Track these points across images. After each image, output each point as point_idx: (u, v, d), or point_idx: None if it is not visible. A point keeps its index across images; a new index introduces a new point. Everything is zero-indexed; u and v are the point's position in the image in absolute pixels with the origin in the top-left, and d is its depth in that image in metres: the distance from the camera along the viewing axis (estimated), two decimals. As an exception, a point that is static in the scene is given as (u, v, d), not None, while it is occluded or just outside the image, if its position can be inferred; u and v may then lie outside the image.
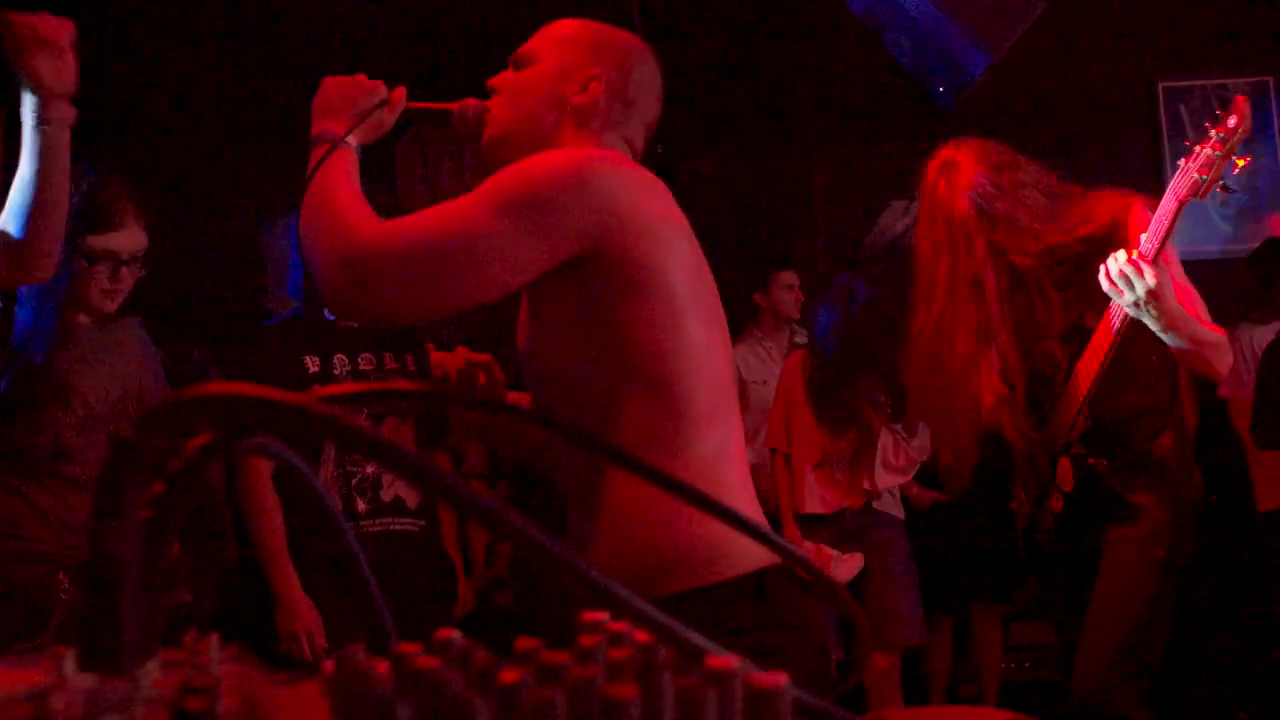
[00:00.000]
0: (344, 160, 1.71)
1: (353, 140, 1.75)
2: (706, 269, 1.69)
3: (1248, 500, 4.52)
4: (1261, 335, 4.23)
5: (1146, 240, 2.57)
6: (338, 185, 1.67)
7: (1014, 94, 5.20)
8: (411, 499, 3.10)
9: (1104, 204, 2.82)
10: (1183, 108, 5.51)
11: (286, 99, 5.13)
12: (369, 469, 3.04)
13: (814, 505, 4.10)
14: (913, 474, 4.19)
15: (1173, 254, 2.74)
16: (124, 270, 2.68)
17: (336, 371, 3.09)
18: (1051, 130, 5.45)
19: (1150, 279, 2.49)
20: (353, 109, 1.76)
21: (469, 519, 0.50)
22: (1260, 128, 5.37)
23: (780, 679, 0.48)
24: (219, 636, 0.56)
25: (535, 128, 1.76)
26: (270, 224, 3.44)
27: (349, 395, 0.57)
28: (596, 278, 1.58)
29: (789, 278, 4.93)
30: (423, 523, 3.13)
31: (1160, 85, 5.52)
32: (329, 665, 0.53)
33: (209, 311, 4.30)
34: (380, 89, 1.80)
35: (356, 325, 3.17)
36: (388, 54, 5.10)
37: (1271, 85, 5.45)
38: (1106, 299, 2.67)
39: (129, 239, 2.68)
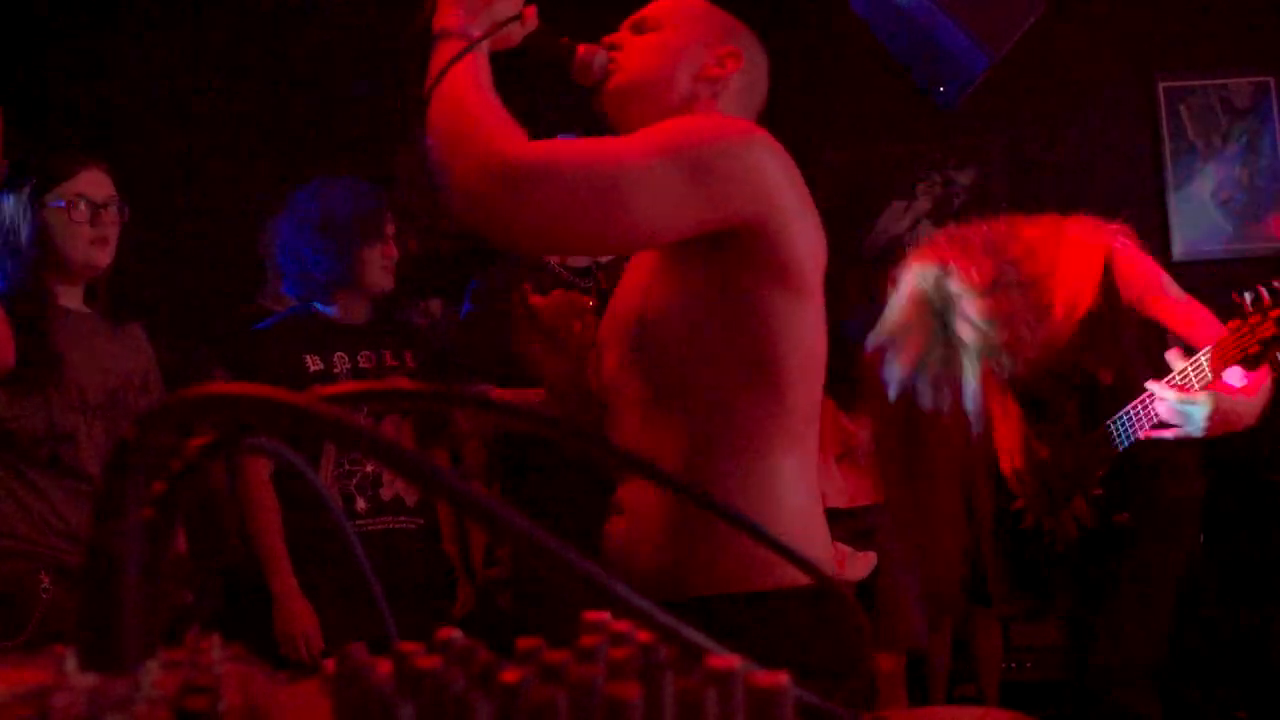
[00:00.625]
0: (481, 65, 1.57)
1: (485, 47, 1.61)
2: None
3: (1264, 502, 4.52)
4: None
5: (1186, 382, 2.50)
6: (480, 90, 1.54)
7: (1014, 93, 5.20)
8: (411, 498, 3.09)
9: (1082, 273, 2.73)
10: (1183, 107, 5.50)
11: (288, 99, 5.15)
12: (368, 467, 3.04)
13: (834, 499, 4.10)
14: None
15: (1163, 279, 2.72)
16: (103, 214, 2.62)
17: (337, 370, 3.09)
18: (1051, 130, 5.45)
19: (1205, 404, 2.47)
20: (490, 10, 1.62)
21: (469, 518, 0.50)
22: (1260, 128, 5.37)
23: (781, 678, 0.48)
24: (220, 636, 0.56)
25: (668, 89, 1.70)
26: (271, 223, 3.45)
27: (349, 395, 0.57)
28: (739, 257, 1.54)
29: None
30: (422, 521, 3.13)
31: (1161, 85, 5.52)
32: (330, 664, 0.53)
33: (210, 310, 4.30)
34: (519, 1, 1.68)
35: (356, 324, 3.17)
36: (392, 54, 5.10)
37: (1273, 85, 5.44)
38: (1116, 351, 2.67)
39: (96, 182, 2.63)
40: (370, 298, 3.18)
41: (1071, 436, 2.83)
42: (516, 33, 1.67)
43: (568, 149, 1.50)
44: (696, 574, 1.54)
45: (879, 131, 5.61)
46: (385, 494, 3.06)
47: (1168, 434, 2.58)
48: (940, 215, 5.49)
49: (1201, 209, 5.22)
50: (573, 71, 1.74)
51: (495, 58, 1.63)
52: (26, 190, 2.56)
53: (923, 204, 5.66)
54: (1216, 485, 4.39)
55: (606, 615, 0.56)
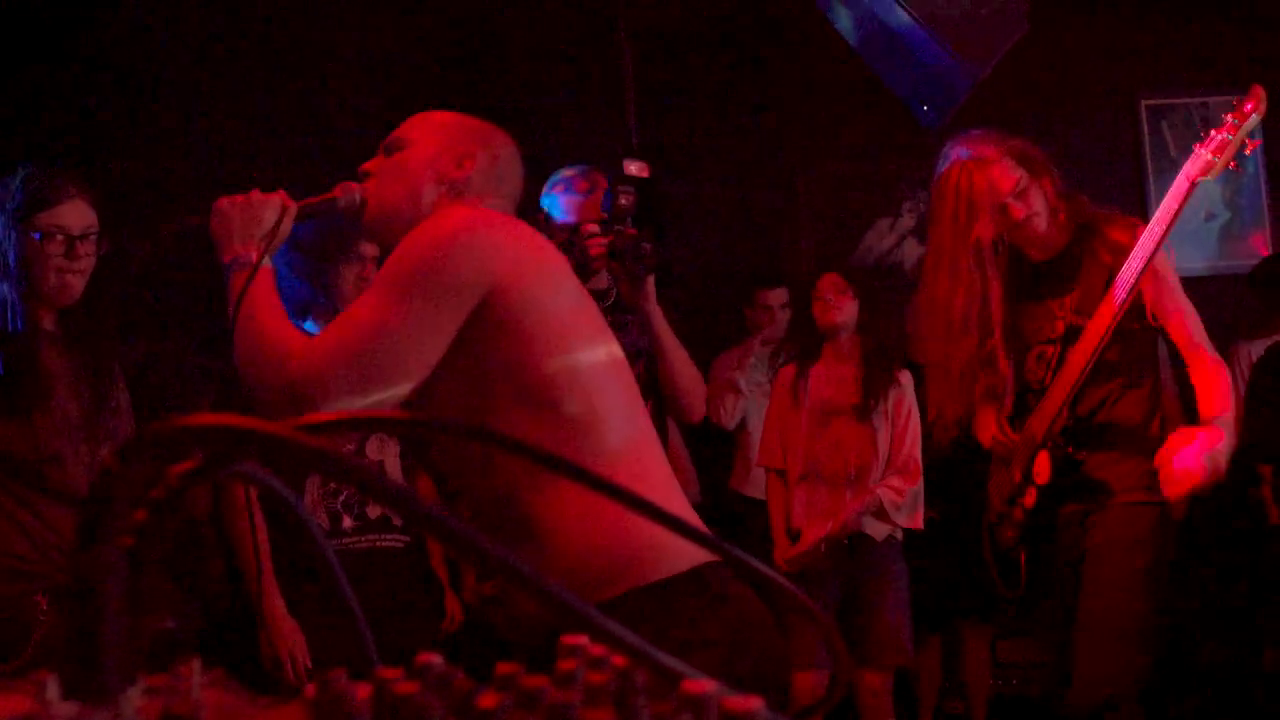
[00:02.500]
0: (265, 283, 1.82)
1: (266, 260, 1.85)
2: (587, 295, 1.87)
3: (1251, 514, 4.53)
4: (1259, 352, 4.25)
5: (1155, 221, 2.68)
6: (263, 315, 1.78)
7: (998, 112, 5.23)
8: (398, 516, 3.10)
9: (1109, 212, 2.91)
10: (1165, 125, 5.55)
11: (290, 103, 5.15)
12: (355, 486, 3.04)
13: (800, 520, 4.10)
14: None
15: (1169, 269, 2.78)
16: (79, 246, 2.60)
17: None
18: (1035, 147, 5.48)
19: (1208, 463, 2.59)
20: (259, 228, 1.87)
21: (446, 545, 0.51)
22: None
23: (755, 702, 0.49)
24: (200, 661, 0.56)
25: (416, 203, 1.89)
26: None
27: (328, 424, 0.58)
28: (487, 320, 1.70)
29: (771, 297, 4.93)
30: (409, 539, 3.13)
31: (1143, 103, 5.57)
32: (310, 689, 0.53)
33: (199, 321, 4.31)
34: (276, 200, 1.91)
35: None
36: (388, 57, 5.12)
37: (1253, 103, 5.49)
38: (1098, 301, 2.72)
39: (77, 214, 2.61)
40: None
41: (1045, 391, 2.87)
42: (287, 225, 1.92)
43: (329, 342, 1.70)
44: (619, 567, 1.66)
45: (864, 150, 5.64)
46: (371, 512, 3.06)
47: (1177, 492, 2.66)
48: (925, 233, 5.51)
49: (1185, 226, 5.24)
50: (343, 216, 1.96)
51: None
52: (13, 213, 2.57)
53: (908, 221, 5.69)
54: (1198, 499, 4.42)
55: (583, 639, 0.57)
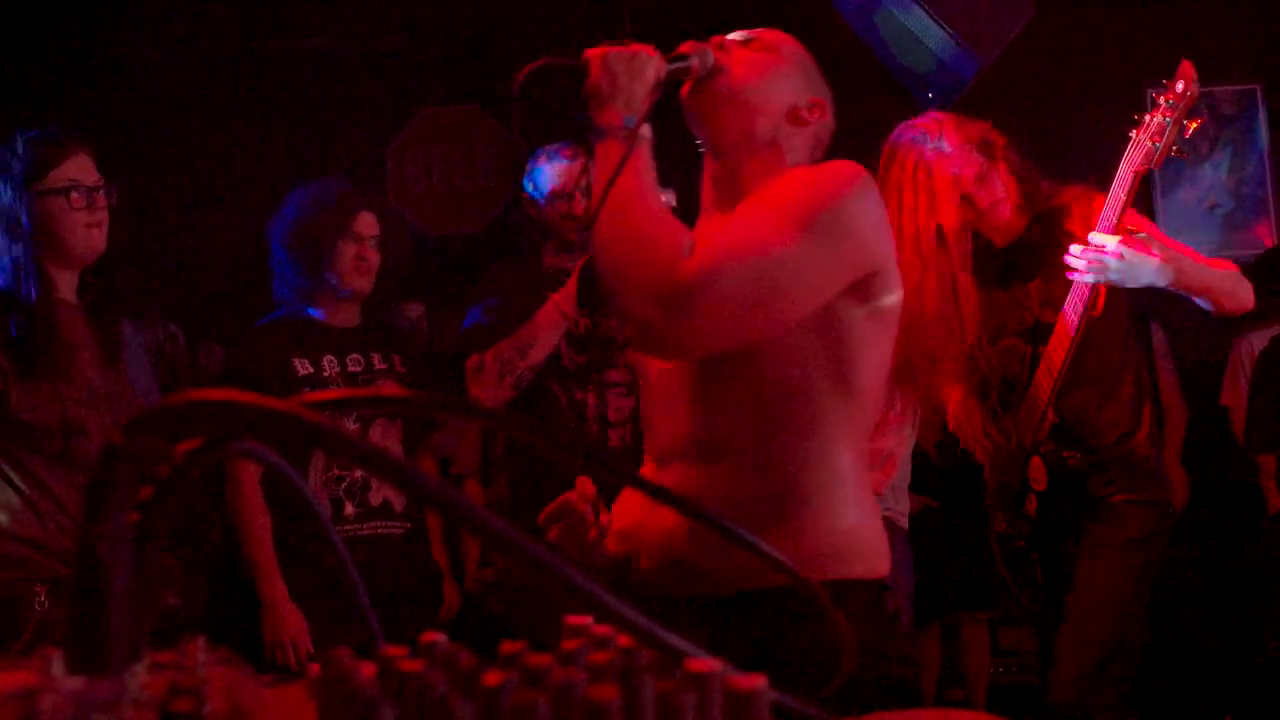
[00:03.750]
0: (644, 160, 1.62)
1: (646, 127, 1.63)
2: None
3: (1250, 506, 4.54)
4: (1261, 342, 4.25)
5: (1103, 219, 2.61)
6: (645, 201, 1.59)
7: (1003, 99, 5.21)
8: (399, 502, 3.09)
9: (1067, 189, 2.86)
10: (1171, 114, 5.53)
11: (294, 96, 5.14)
12: (356, 473, 3.04)
13: None
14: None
15: (1154, 229, 2.75)
16: (97, 198, 2.59)
17: (326, 373, 3.09)
18: (1040, 135, 5.46)
19: (1113, 243, 2.53)
20: (644, 89, 1.63)
21: (453, 523, 0.50)
22: (1246, 135, 5.40)
23: (759, 680, 0.49)
24: (206, 639, 0.56)
25: (760, 112, 1.72)
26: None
27: (336, 401, 0.58)
28: (855, 295, 1.62)
29: None
30: (410, 526, 3.13)
31: (1149, 92, 5.54)
32: (315, 668, 0.53)
33: (210, 310, 4.32)
34: (658, 58, 1.67)
35: (345, 327, 3.18)
36: (402, 54, 5.11)
37: (1258, 92, 5.47)
38: (1062, 291, 2.68)
39: (84, 168, 2.61)
40: (356, 301, 3.18)
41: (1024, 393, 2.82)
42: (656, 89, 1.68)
43: (723, 255, 1.56)
44: (752, 568, 1.55)
45: (868, 137, 5.61)
46: (374, 499, 3.06)
47: (1081, 277, 2.60)
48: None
49: (1188, 216, 5.24)
50: (684, 73, 1.73)
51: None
52: (18, 177, 2.55)
53: (912, 209, 5.67)
54: (1197, 489, 4.42)
55: (589, 619, 0.57)
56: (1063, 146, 5.45)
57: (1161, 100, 2.59)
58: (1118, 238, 2.55)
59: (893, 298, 1.67)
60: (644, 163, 1.60)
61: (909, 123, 2.86)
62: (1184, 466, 4.48)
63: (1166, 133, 2.57)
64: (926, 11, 3.86)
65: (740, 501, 1.62)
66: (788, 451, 1.63)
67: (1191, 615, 4.46)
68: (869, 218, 1.63)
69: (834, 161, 1.69)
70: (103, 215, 2.62)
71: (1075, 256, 2.59)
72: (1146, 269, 2.58)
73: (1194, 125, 2.62)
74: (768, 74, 1.74)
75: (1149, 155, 2.59)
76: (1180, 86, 2.57)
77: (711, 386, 1.66)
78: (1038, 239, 2.81)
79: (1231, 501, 4.59)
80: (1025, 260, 2.83)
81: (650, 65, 1.64)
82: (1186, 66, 2.59)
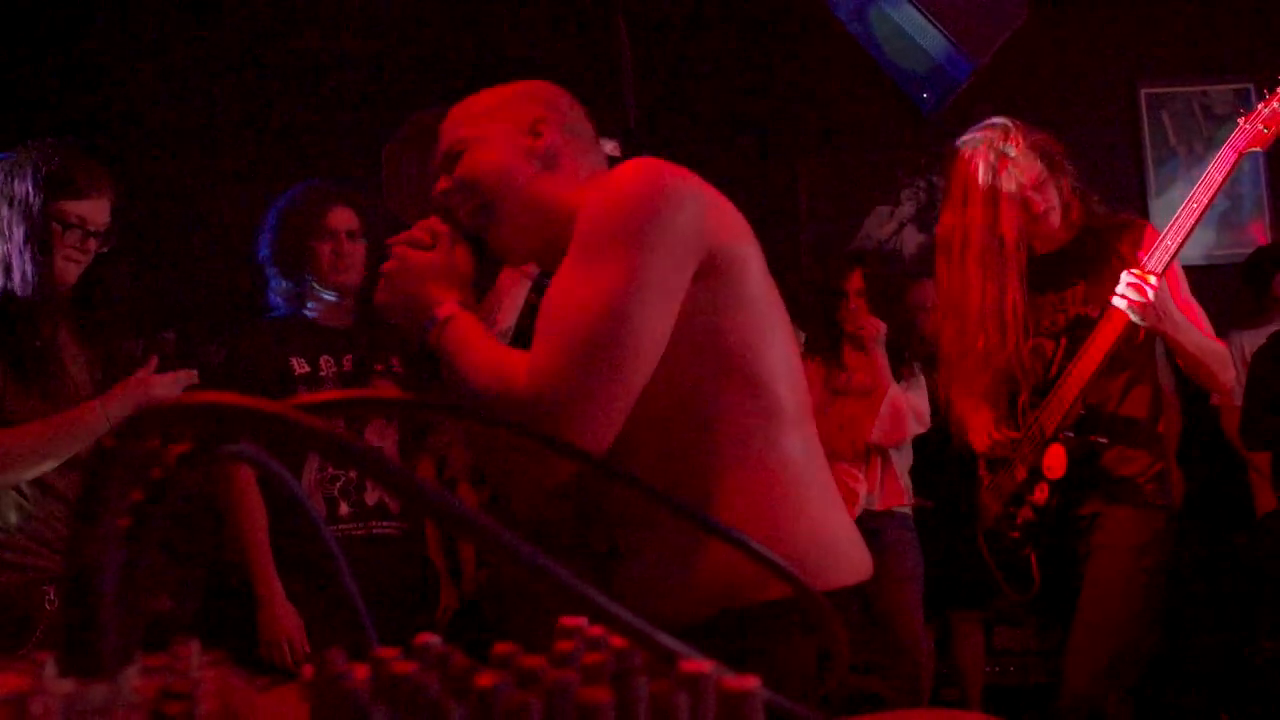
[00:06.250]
0: (457, 330, 1.59)
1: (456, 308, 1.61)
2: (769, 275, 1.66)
3: (1241, 505, 4.55)
4: (1252, 340, 4.27)
5: (1195, 196, 2.67)
6: (467, 356, 1.55)
7: (997, 100, 5.22)
8: (395, 503, 3.09)
9: (1122, 213, 2.96)
10: (1165, 114, 5.54)
11: (288, 99, 5.14)
12: (352, 473, 3.04)
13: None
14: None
15: (1178, 269, 2.80)
16: (90, 241, 2.62)
17: (323, 373, 3.09)
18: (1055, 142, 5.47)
19: (1151, 292, 2.60)
20: (457, 272, 1.65)
21: (444, 527, 0.50)
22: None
23: (753, 681, 0.49)
24: (199, 642, 0.56)
25: (513, 194, 1.67)
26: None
27: (328, 404, 0.57)
28: (705, 281, 1.53)
29: None
30: (406, 526, 3.13)
31: (1143, 91, 5.55)
32: (308, 669, 0.53)
33: (210, 310, 4.32)
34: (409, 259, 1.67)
35: (340, 326, 3.18)
36: (396, 57, 5.11)
37: (1252, 91, 5.48)
38: (1106, 298, 2.72)
39: (98, 210, 2.62)
40: (346, 297, 3.18)
41: (1051, 384, 2.85)
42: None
43: (557, 347, 1.46)
44: (721, 588, 1.52)
45: (864, 138, 5.63)
46: (369, 499, 3.06)
47: (1120, 302, 2.67)
48: (924, 220, 5.52)
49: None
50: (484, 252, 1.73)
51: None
52: (41, 184, 2.55)
53: (907, 209, 5.68)
54: (1197, 489, 4.43)
55: (582, 621, 0.57)
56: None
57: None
58: (1159, 284, 2.63)
59: (740, 268, 1.56)
60: (463, 333, 1.57)
61: (976, 127, 2.95)
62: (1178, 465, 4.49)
63: (1278, 121, 2.64)
64: (921, 12, 3.86)
65: (679, 552, 1.55)
66: (714, 484, 1.54)
67: (1185, 614, 4.47)
68: (684, 214, 1.50)
69: (623, 167, 1.55)
70: (87, 257, 2.64)
71: (1129, 283, 2.65)
72: (1167, 321, 2.65)
73: None
74: (485, 170, 1.68)
75: (1256, 138, 2.65)
76: None
77: (616, 450, 1.53)
78: (1089, 252, 2.87)
79: (1222, 500, 4.60)
80: (1067, 268, 2.89)
81: (424, 264, 1.64)
82: None
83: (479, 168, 1.68)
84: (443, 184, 1.72)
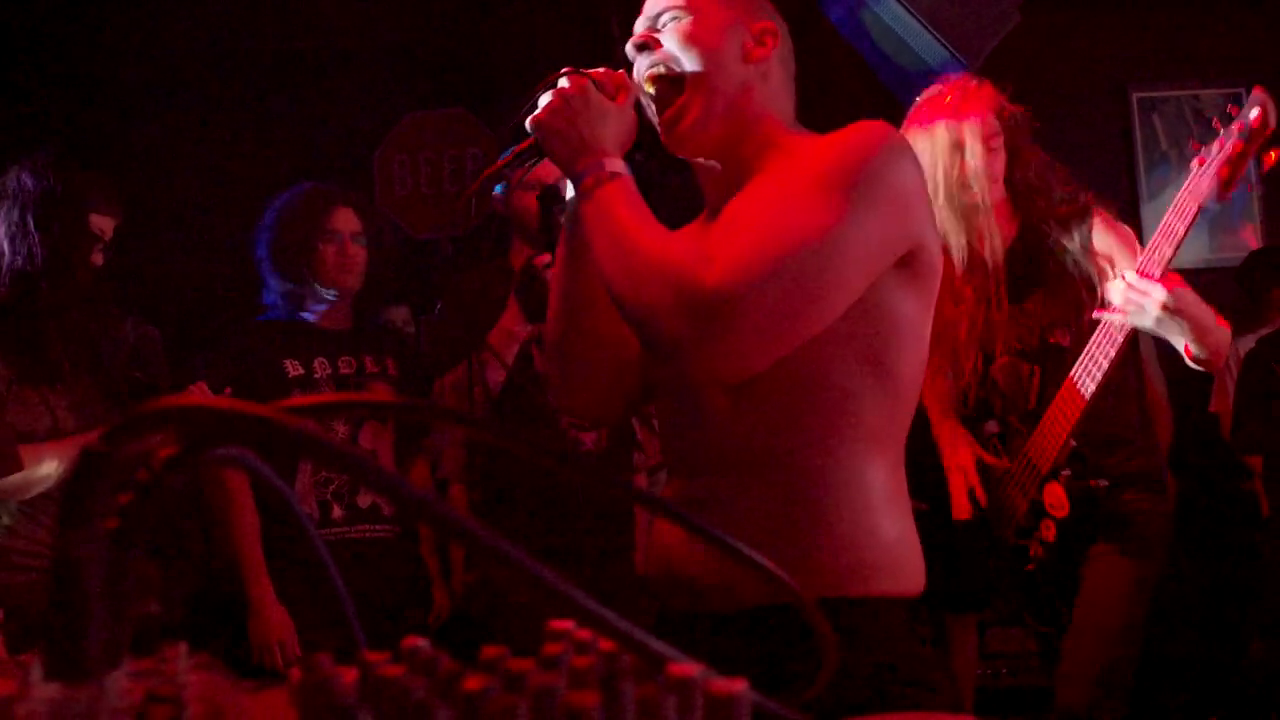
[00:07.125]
0: (624, 191, 1.48)
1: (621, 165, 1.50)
2: None
3: (1238, 510, 4.56)
4: (1247, 346, 4.28)
5: (1158, 249, 2.45)
6: (640, 228, 1.44)
7: (990, 103, 5.23)
8: (387, 505, 3.09)
9: (1103, 215, 2.77)
10: (1156, 117, 5.55)
11: (280, 99, 5.13)
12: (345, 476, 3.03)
13: None
14: None
15: (1138, 248, 2.67)
16: (100, 256, 2.67)
17: (317, 375, 3.09)
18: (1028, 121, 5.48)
19: (1159, 293, 2.38)
20: (608, 126, 1.52)
21: (433, 531, 0.50)
22: (1233, 138, 5.42)
23: (740, 685, 0.49)
24: (187, 645, 0.56)
25: (720, 84, 1.56)
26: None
27: (318, 406, 0.57)
28: (899, 271, 1.46)
29: None
30: (398, 529, 3.12)
31: (1134, 95, 5.57)
32: (295, 673, 0.53)
33: (203, 311, 4.31)
34: (620, 78, 1.56)
35: (337, 329, 3.17)
36: (388, 57, 5.10)
37: (1244, 95, 5.49)
38: (1072, 315, 2.63)
39: (109, 224, 2.67)
40: (346, 300, 3.18)
41: (1033, 415, 2.73)
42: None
43: (759, 253, 1.37)
44: (753, 585, 1.46)
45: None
46: (362, 502, 3.05)
47: (1115, 317, 2.47)
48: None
49: (1175, 219, 5.26)
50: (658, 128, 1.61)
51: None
52: (59, 195, 2.57)
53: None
54: (1189, 492, 4.44)
55: (570, 624, 0.57)
56: (1049, 148, 5.46)
57: (1234, 129, 2.41)
58: (1165, 292, 2.40)
59: (935, 278, 1.51)
60: (630, 196, 1.47)
61: (943, 79, 2.88)
62: (1171, 472, 4.49)
63: (1236, 165, 2.38)
64: (912, 15, 3.87)
65: (772, 514, 1.48)
66: (824, 458, 1.47)
67: (1178, 618, 4.48)
68: (911, 180, 1.44)
69: (858, 123, 1.47)
70: (97, 265, 2.68)
71: (1117, 294, 2.45)
72: (1191, 321, 2.42)
73: (1275, 156, 2.46)
74: (700, 48, 1.56)
75: (1215, 188, 2.40)
76: (1254, 114, 2.38)
77: (739, 390, 1.49)
78: (1035, 249, 2.72)
79: (1218, 506, 4.61)
80: (1016, 270, 2.74)
81: (607, 106, 1.52)
82: (1260, 93, 2.41)
83: (698, 39, 1.57)
84: (645, 36, 1.61)
